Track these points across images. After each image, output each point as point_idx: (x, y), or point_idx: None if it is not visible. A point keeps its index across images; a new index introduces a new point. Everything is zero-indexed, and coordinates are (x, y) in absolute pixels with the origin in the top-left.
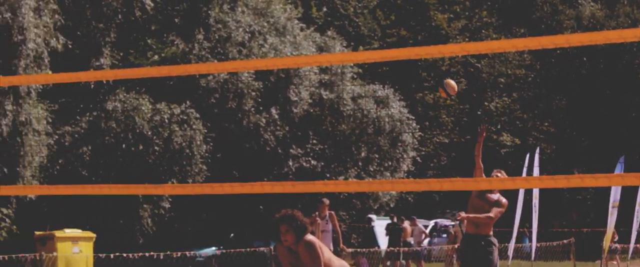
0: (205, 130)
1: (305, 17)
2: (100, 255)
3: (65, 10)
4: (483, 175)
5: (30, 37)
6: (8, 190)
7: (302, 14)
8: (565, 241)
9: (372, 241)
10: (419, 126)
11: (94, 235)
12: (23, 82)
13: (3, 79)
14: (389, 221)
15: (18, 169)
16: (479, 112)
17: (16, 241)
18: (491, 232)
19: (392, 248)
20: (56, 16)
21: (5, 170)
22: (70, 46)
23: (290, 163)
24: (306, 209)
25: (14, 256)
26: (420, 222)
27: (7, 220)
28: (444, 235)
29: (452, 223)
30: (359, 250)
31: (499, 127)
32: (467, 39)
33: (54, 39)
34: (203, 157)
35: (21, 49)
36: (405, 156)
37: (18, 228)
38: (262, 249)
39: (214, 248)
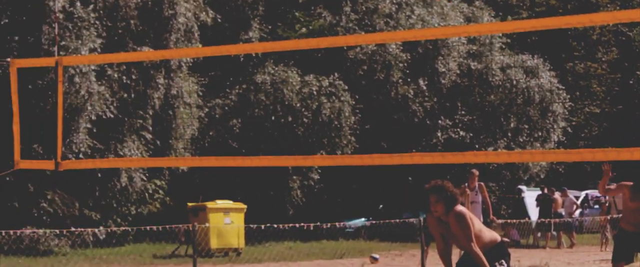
0: (353, 102)
1: None
2: (251, 226)
3: None
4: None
5: (181, 12)
6: (161, 162)
7: None
8: None
9: (523, 212)
10: (569, 96)
11: (245, 206)
12: (174, 55)
13: (155, 53)
14: (540, 192)
15: (170, 141)
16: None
17: (169, 212)
18: None
19: (542, 219)
20: None
21: (158, 142)
22: (219, 20)
23: (439, 134)
24: (455, 180)
25: (167, 226)
26: (572, 194)
27: (161, 191)
28: (596, 206)
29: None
30: (509, 221)
31: None
32: (618, 7)
33: (204, 13)
34: (351, 129)
35: (172, 23)
36: (555, 126)
37: (171, 199)
38: (411, 220)
39: (363, 219)
